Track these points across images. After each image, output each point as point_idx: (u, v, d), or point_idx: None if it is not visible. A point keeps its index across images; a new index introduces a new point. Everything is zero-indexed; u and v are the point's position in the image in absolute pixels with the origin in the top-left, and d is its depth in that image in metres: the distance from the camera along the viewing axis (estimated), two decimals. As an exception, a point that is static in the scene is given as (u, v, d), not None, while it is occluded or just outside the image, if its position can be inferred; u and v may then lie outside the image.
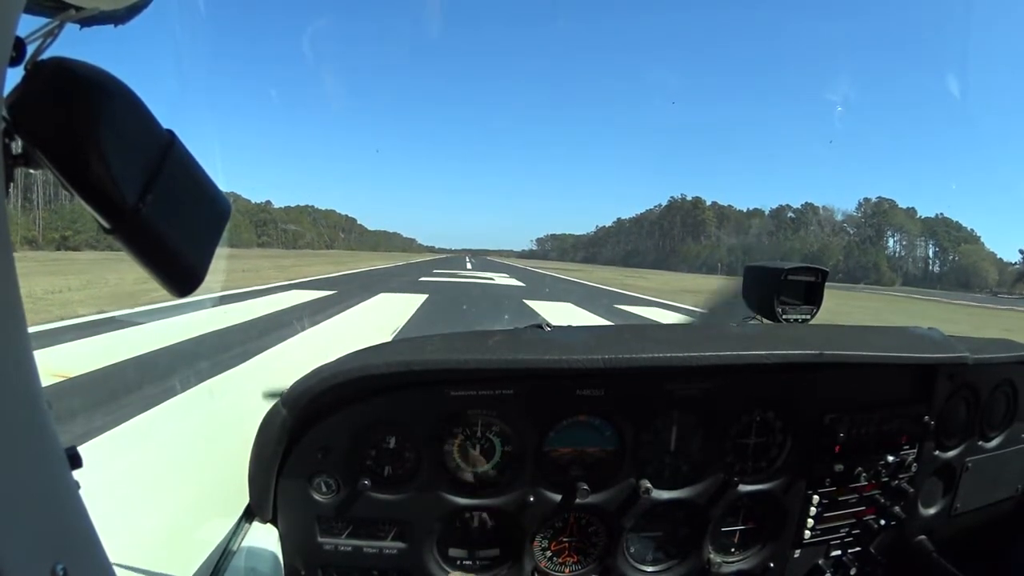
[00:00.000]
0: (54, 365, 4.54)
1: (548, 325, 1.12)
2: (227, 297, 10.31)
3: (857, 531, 1.21)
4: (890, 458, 1.17)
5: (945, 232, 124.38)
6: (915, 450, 1.21)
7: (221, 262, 0.55)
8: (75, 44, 0.48)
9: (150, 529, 2.12)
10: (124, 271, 15.92)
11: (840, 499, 1.17)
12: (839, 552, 1.21)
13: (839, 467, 1.14)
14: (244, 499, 0.99)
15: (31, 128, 0.42)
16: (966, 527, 1.37)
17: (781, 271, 1.40)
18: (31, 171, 0.45)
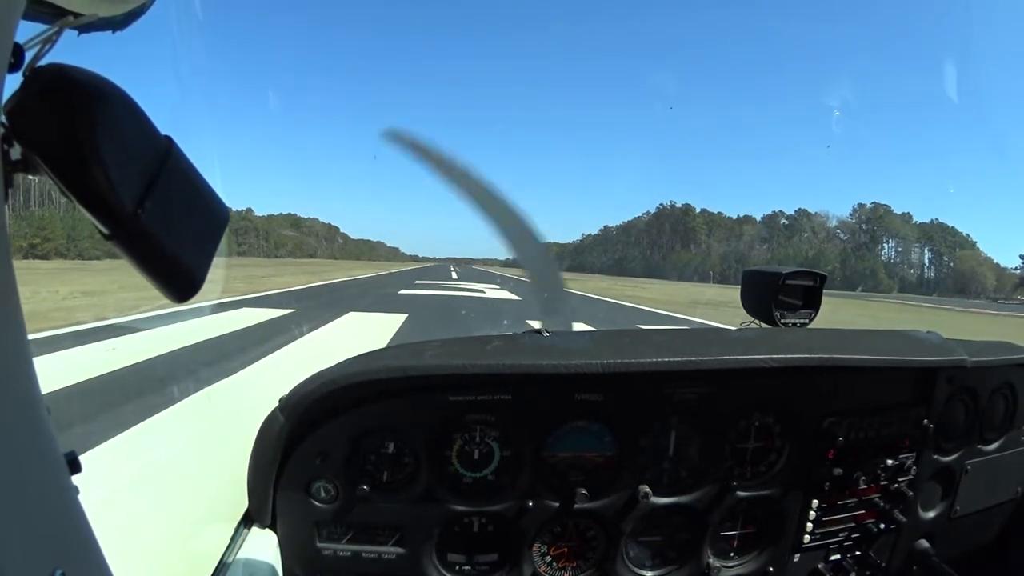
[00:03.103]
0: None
1: (547, 330, 1.12)
2: (158, 318, 8.23)
3: (856, 535, 1.20)
4: (889, 462, 1.17)
5: (941, 237, 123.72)
6: (914, 453, 1.21)
7: (218, 270, 0.54)
8: (73, 50, 0.48)
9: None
10: (69, 283, 14.59)
11: (839, 503, 1.16)
12: (839, 556, 1.20)
13: (838, 471, 1.14)
14: (243, 505, 0.99)
15: (30, 134, 0.42)
16: (966, 530, 1.36)
17: (779, 275, 1.41)
18: (30, 176, 0.45)
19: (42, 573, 0.37)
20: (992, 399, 1.33)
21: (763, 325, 1.47)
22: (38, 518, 0.38)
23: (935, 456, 1.26)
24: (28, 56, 0.43)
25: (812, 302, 1.47)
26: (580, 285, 37.14)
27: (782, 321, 1.43)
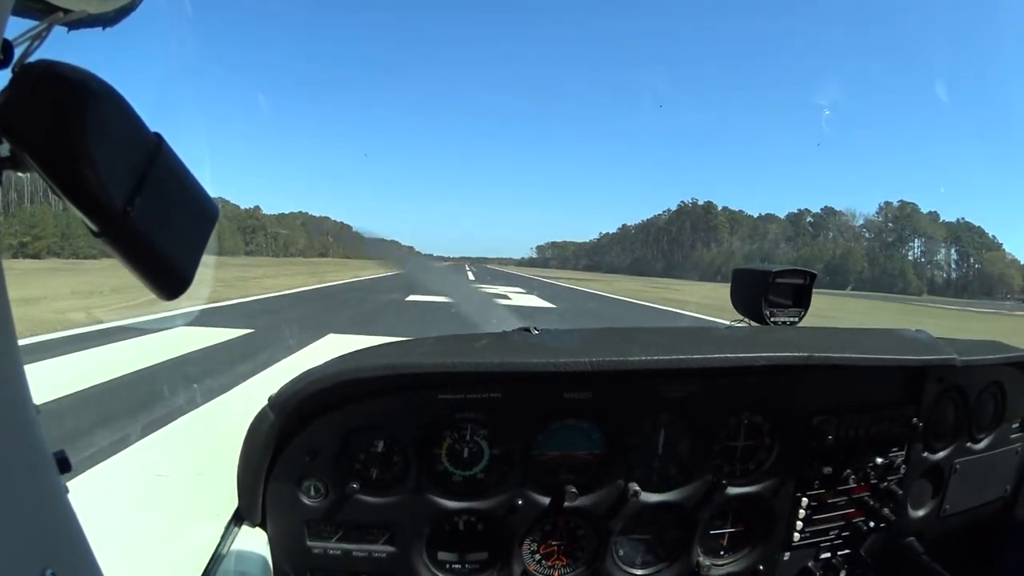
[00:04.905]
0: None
1: (536, 328, 1.12)
2: (42, 346, 6.17)
3: (846, 533, 1.21)
4: (879, 460, 1.18)
5: (969, 237, 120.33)
6: (904, 452, 1.22)
7: (207, 270, 0.54)
8: (63, 47, 0.48)
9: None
10: (24, 287, 12.98)
11: (829, 501, 1.17)
12: (828, 554, 1.21)
13: (828, 469, 1.14)
14: (233, 503, 0.99)
15: (18, 131, 0.42)
16: (955, 528, 1.37)
17: (769, 274, 1.41)
18: (18, 174, 0.45)
19: (32, 572, 0.37)
20: (981, 398, 1.34)
21: (753, 323, 1.48)
22: (28, 517, 0.38)
23: (924, 454, 1.27)
24: (17, 52, 0.43)
25: (802, 300, 1.47)
26: (604, 286, 33.39)
27: (772, 319, 1.44)
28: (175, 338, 7.33)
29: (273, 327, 8.94)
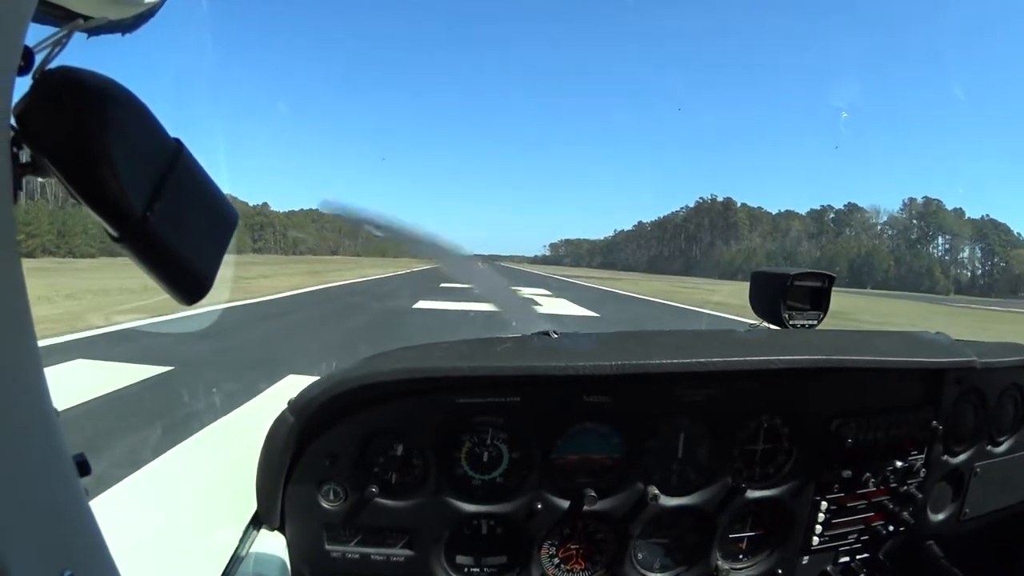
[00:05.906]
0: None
1: (555, 332, 1.12)
2: None
3: (865, 537, 1.20)
4: (898, 463, 1.17)
5: (995, 235, 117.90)
6: (923, 455, 1.21)
7: (227, 269, 0.54)
8: (83, 53, 0.48)
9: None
10: None
11: (848, 505, 1.16)
12: (847, 558, 1.20)
13: (847, 473, 1.13)
14: (252, 506, 0.99)
15: (39, 137, 0.42)
16: (975, 532, 1.36)
17: (787, 277, 1.40)
18: (40, 179, 0.45)
19: (51, 573, 0.37)
20: (1001, 400, 1.32)
21: (771, 326, 1.46)
22: (47, 519, 0.38)
23: (944, 458, 1.25)
24: (38, 59, 0.43)
25: (820, 303, 1.46)
26: (631, 286, 30.44)
27: (790, 322, 1.42)
28: (58, 379, 4.57)
29: (207, 363, 5.93)
